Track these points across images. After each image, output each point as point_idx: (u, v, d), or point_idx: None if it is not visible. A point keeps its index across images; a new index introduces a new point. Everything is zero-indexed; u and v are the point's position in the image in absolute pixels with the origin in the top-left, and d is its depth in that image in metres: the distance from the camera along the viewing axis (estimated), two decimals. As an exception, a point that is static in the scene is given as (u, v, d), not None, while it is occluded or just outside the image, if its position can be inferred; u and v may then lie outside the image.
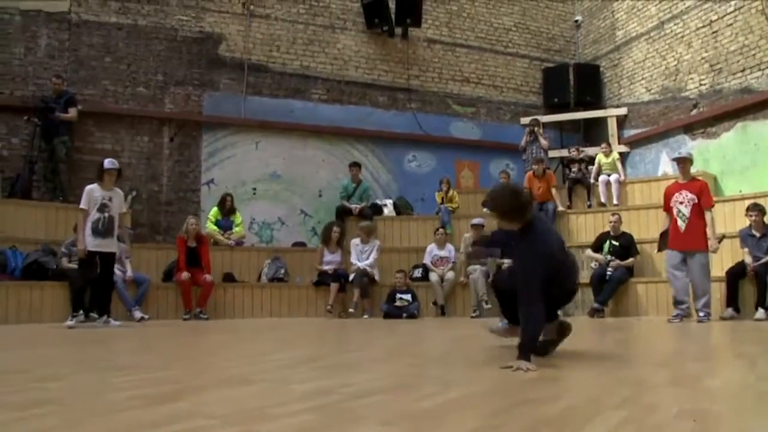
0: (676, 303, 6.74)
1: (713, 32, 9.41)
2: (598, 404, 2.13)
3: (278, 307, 8.65)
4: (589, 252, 8.36)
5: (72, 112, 8.70)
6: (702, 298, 6.54)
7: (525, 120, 11.28)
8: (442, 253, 8.89)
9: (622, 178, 9.95)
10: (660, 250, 7.08)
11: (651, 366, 3.31)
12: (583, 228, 9.48)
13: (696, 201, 6.66)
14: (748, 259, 6.90)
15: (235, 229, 9.21)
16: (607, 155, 10.08)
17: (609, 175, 9.88)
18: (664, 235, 6.91)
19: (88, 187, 6.39)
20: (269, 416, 1.93)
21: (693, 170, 7.33)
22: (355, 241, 8.99)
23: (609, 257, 8.09)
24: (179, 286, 7.92)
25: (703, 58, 9.60)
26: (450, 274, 8.67)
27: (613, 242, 8.17)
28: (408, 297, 8.43)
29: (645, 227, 8.61)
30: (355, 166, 9.98)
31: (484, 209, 8.19)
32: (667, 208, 6.90)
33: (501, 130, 11.72)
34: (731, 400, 2.32)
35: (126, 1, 9.72)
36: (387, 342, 5.06)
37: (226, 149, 10.08)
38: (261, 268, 9.03)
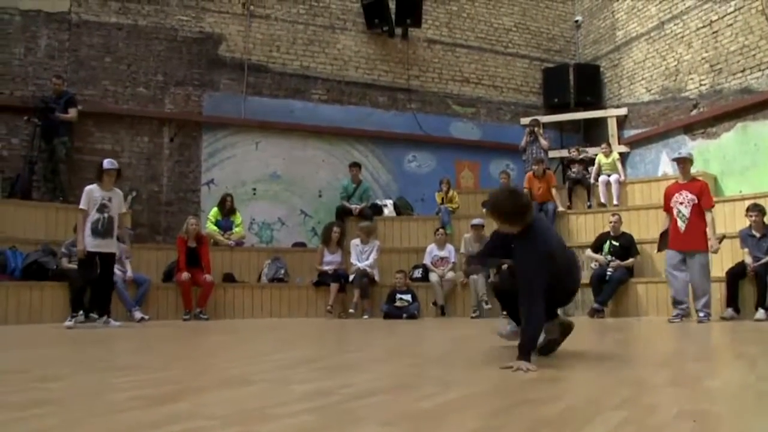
0: (675, 303, 6.75)
1: (713, 32, 9.41)
2: (598, 405, 2.13)
3: (278, 307, 8.65)
4: (589, 252, 8.35)
5: (72, 113, 8.70)
6: (702, 298, 6.54)
7: (525, 120, 11.27)
8: (442, 253, 8.89)
9: (622, 178, 9.95)
10: (660, 250, 7.08)
11: (651, 366, 3.31)
12: (583, 228, 9.48)
13: (696, 201, 6.66)
14: (748, 260, 6.90)
15: (235, 230, 9.21)
16: (607, 155, 10.08)
17: (609, 176, 9.88)
18: (664, 236, 6.92)
19: (88, 188, 6.39)
20: (269, 417, 1.93)
21: (693, 170, 7.33)
22: (355, 242, 8.99)
23: (609, 257, 8.08)
24: (179, 287, 7.92)
25: (703, 59, 9.60)
26: (450, 275, 8.68)
27: (613, 242, 8.16)
28: (408, 297, 8.43)
29: (645, 227, 8.61)
30: (355, 166, 9.98)
31: (484, 210, 8.20)
32: (667, 209, 6.91)
33: (501, 130, 11.72)
34: (731, 401, 2.32)
35: (126, 1, 9.72)
36: (387, 342, 5.06)
37: (226, 149, 10.08)
38: (261, 268, 9.03)
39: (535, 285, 3.01)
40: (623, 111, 11.19)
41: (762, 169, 8.56)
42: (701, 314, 6.48)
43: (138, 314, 7.06)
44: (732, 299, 6.90)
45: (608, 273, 7.93)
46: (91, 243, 6.21)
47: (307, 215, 10.39)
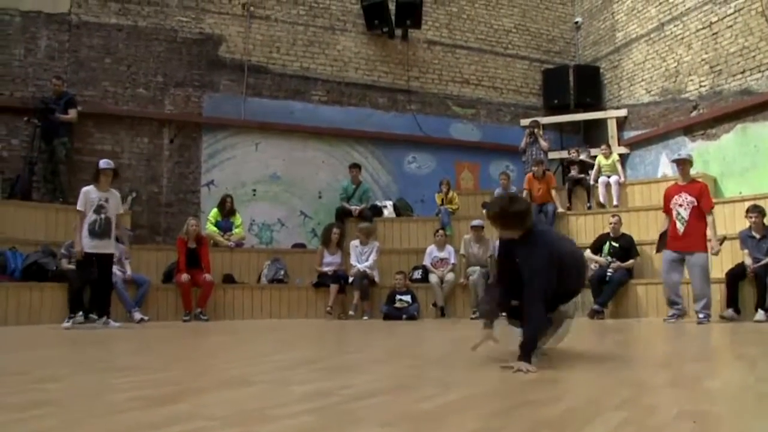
0: (670, 303, 6.77)
1: (713, 34, 9.41)
2: (598, 405, 2.13)
3: (278, 308, 8.65)
4: (588, 253, 8.33)
5: (72, 114, 8.70)
6: (701, 300, 6.53)
7: (525, 121, 11.28)
8: (442, 254, 8.89)
9: (622, 179, 9.94)
10: (659, 250, 7.08)
11: (651, 367, 3.31)
12: (582, 229, 9.47)
13: (695, 204, 6.66)
14: (748, 261, 6.90)
15: (235, 231, 9.22)
16: (607, 157, 10.08)
17: (609, 177, 9.88)
18: (663, 236, 6.92)
19: (84, 189, 6.39)
20: (269, 417, 1.93)
21: (693, 172, 7.33)
22: (355, 243, 8.98)
23: (609, 259, 8.08)
24: (179, 288, 7.92)
25: (703, 60, 9.61)
26: (450, 276, 8.67)
27: (613, 244, 8.16)
28: (408, 298, 8.43)
29: (645, 229, 8.61)
30: (355, 167, 9.98)
31: (484, 211, 8.20)
32: (667, 210, 6.91)
33: (501, 131, 11.72)
34: (731, 402, 2.32)
35: (126, 2, 9.73)
36: (387, 343, 5.05)
37: (226, 150, 10.09)
38: (261, 269, 9.03)
39: (538, 287, 3.02)
40: (623, 112, 11.20)
41: (762, 170, 8.56)
42: (701, 315, 6.47)
43: (138, 315, 7.06)
44: (732, 300, 6.90)
45: (608, 274, 7.93)
46: (88, 244, 6.21)
47: (307, 216, 10.39)
